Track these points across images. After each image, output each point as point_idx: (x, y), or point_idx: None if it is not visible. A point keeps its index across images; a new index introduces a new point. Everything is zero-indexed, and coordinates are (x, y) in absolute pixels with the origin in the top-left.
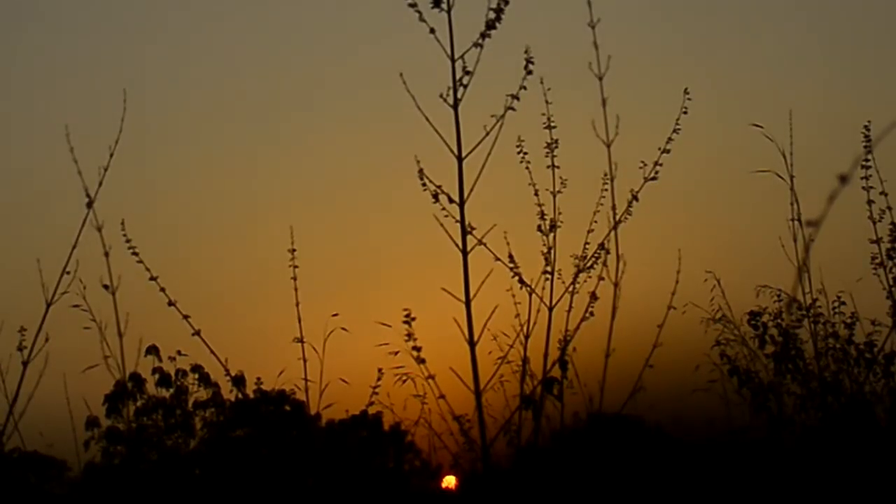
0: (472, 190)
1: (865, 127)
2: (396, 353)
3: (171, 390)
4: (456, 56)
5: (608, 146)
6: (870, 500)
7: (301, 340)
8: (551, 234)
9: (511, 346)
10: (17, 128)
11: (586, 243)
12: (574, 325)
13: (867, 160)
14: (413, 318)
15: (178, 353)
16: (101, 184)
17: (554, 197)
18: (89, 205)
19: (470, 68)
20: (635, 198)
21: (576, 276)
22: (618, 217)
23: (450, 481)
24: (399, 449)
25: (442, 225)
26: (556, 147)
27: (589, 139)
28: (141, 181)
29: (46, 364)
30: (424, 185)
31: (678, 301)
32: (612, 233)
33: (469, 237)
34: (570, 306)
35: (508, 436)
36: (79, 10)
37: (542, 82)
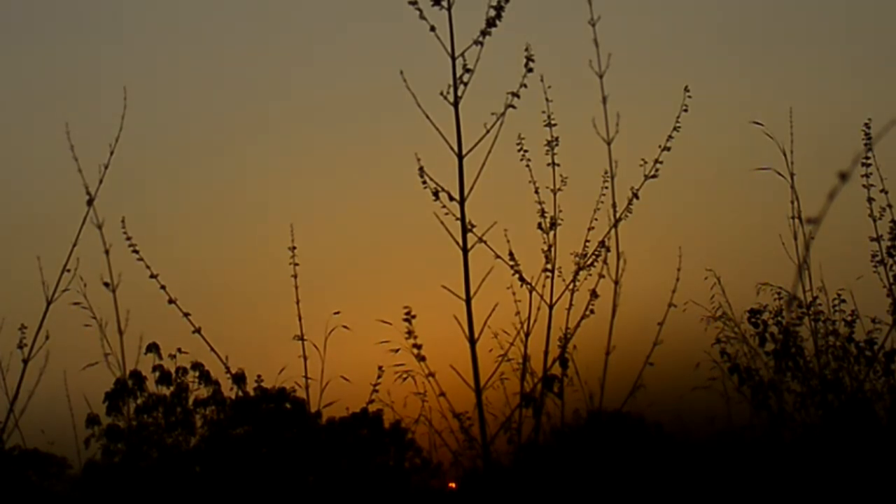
0: (472, 188)
1: (865, 125)
2: (397, 350)
3: (172, 388)
4: (456, 54)
5: (608, 144)
6: (870, 497)
7: (301, 338)
8: (552, 232)
9: (511, 344)
10: (18, 126)
11: (587, 241)
12: (574, 323)
13: (867, 158)
14: (413, 316)
15: (179, 350)
16: (101, 181)
17: (554, 195)
18: (90, 202)
19: (470, 66)
20: (636, 195)
21: (576, 273)
22: (618, 215)
23: (452, 485)
24: (399, 447)
25: (442, 223)
26: (557, 145)
27: (589, 137)
28: (141, 180)
29: (47, 362)
30: (425, 182)
31: (678, 299)
32: (613, 230)
33: (469, 235)
34: (571, 304)
35: (509, 433)
36: (80, 8)
37: (542, 80)
